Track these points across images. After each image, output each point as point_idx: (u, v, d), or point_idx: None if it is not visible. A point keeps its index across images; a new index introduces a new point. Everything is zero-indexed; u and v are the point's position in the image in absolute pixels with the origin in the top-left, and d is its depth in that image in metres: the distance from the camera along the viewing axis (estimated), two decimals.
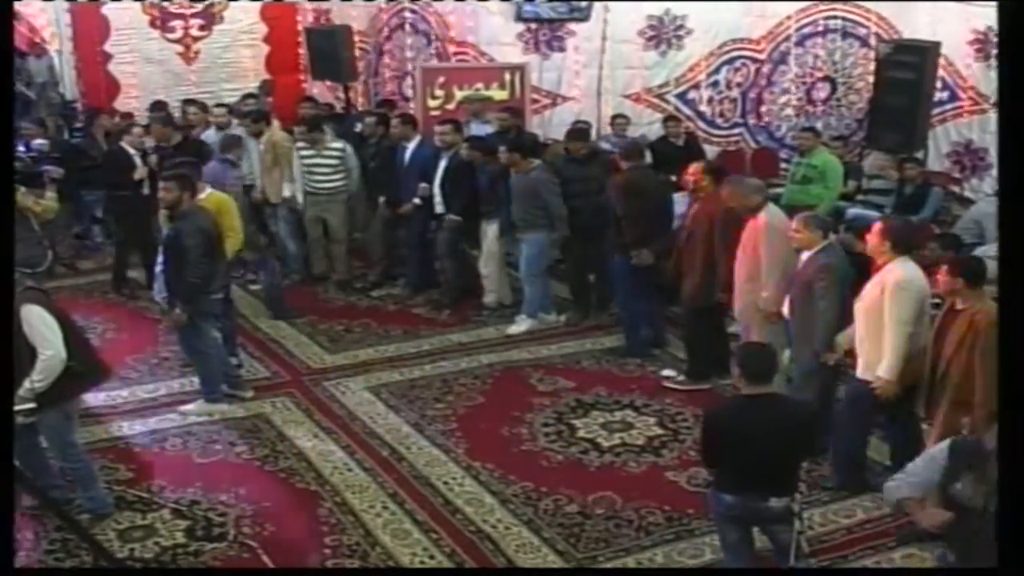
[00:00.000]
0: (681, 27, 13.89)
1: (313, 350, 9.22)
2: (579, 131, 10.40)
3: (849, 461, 6.75)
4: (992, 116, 12.51)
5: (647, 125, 13.66)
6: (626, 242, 8.67)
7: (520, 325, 9.58)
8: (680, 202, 9.08)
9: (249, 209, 9.88)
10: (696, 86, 14.15)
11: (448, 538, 6.33)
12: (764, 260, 7.45)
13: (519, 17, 13.50)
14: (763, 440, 5.12)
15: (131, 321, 9.93)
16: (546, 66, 13.69)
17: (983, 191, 12.53)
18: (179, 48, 13.37)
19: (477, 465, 7.17)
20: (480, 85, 12.65)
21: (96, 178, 11.17)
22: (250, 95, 12.75)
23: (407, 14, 13.47)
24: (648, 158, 10.87)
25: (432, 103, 12.59)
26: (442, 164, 10.01)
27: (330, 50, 12.41)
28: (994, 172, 12.47)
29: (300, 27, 13.64)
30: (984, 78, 12.77)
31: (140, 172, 10.36)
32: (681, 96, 14.13)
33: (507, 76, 12.75)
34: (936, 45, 12.24)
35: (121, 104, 12.91)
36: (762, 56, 14.22)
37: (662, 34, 13.88)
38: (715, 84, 14.21)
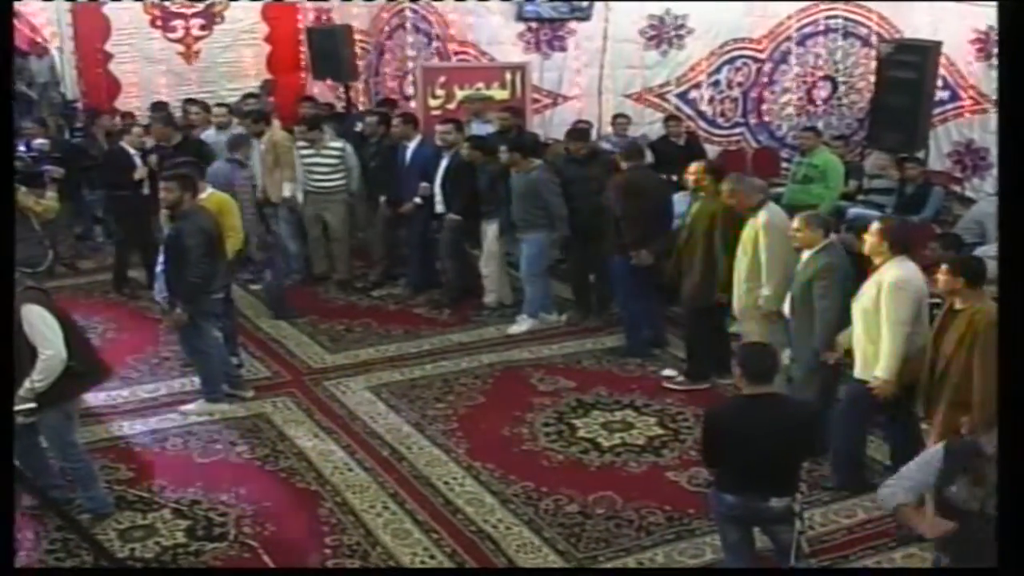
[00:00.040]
0: (682, 26, 13.90)
1: (314, 350, 9.22)
2: (579, 131, 10.40)
3: (849, 461, 6.75)
4: (993, 116, 12.51)
5: (648, 125, 13.69)
6: (626, 242, 8.67)
7: (521, 325, 9.58)
8: (680, 202, 9.07)
9: (259, 209, 9.89)
10: (697, 86, 14.17)
11: (449, 538, 6.33)
12: (764, 259, 7.45)
13: (520, 17, 13.51)
14: (764, 440, 5.11)
15: (132, 321, 9.93)
16: (547, 66, 13.70)
17: (984, 191, 12.54)
18: (180, 48, 13.36)
19: (478, 465, 7.16)
20: (481, 85, 12.65)
21: (97, 178, 11.18)
22: (251, 95, 12.74)
23: (408, 13, 13.47)
24: (649, 158, 10.88)
25: (433, 103, 12.58)
26: (443, 163, 10.01)
27: (331, 49, 12.42)
28: (995, 172, 12.47)
29: (301, 26, 13.64)
30: (985, 77, 12.78)
31: (140, 172, 10.36)
32: (682, 96, 14.15)
33: (508, 76, 12.74)
34: (937, 44, 12.24)
35: (122, 104, 12.89)
36: (763, 55, 14.23)
37: (663, 34, 13.89)
38: (716, 84, 14.23)
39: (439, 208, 10.06)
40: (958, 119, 13.38)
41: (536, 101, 13.41)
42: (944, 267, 6.06)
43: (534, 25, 13.57)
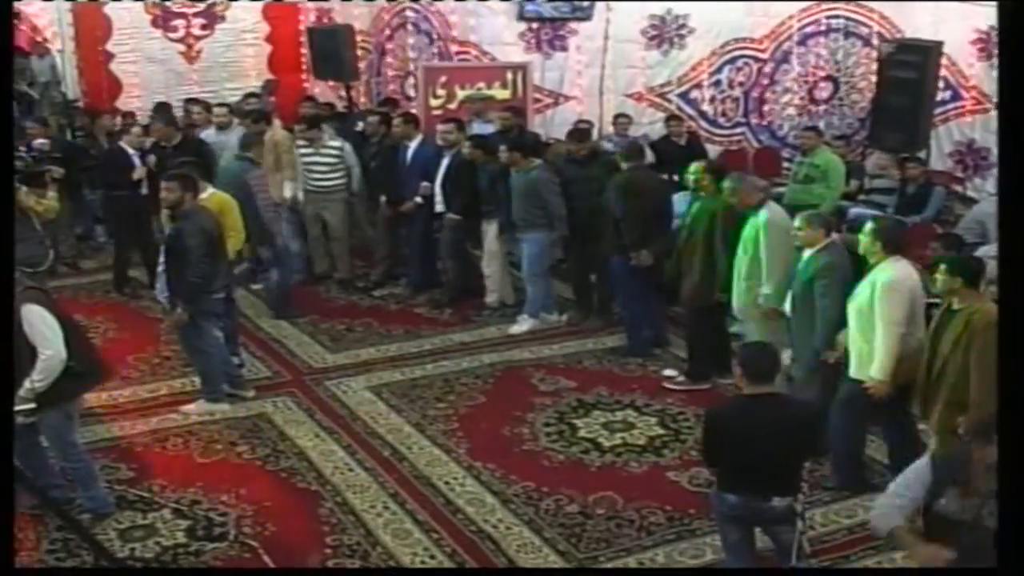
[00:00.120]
0: (683, 26, 13.89)
1: (315, 349, 9.22)
2: (580, 132, 10.40)
3: (849, 461, 6.75)
4: (995, 116, 12.50)
5: (649, 124, 13.68)
6: (626, 243, 8.66)
7: (522, 325, 9.57)
8: (680, 202, 9.07)
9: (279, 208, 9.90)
10: (698, 85, 14.15)
11: (449, 538, 6.33)
12: (765, 258, 7.45)
13: (521, 16, 13.50)
14: (765, 440, 5.11)
15: (133, 320, 9.93)
16: (548, 65, 13.69)
17: (986, 191, 12.52)
18: (181, 47, 13.36)
19: (478, 465, 7.16)
20: (482, 84, 12.65)
21: (98, 177, 11.17)
22: (252, 94, 12.74)
23: (409, 13, 13.47)
24: (650, 157, 10.87)
25: (434, 102, 12.58)
26: (444, 163, 10.01)
27: (332, 49, 12.42)
28: (996, 172, 12.45)
29: (302, 26, 13.64)
30: (987, 77, 12.76)
31: (139, 172, 10.36)
32: (683, 95, 14.13)
33: (509, 75, 12.74)
34: (938, 44, 12.23)
35: (123, 104, 12.90)
36: (764, 55, 14.21)
37: (664, 33, 13.88)
38: (717, 83, 14.21)
39: (439, 208, 10.06)
40: (959, 119, 13.36)
41: (537, 101, 13.40)
42: (942, 267, 6.06)
43: (535, 25, 13.56)
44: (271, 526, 6.45)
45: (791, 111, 14.40)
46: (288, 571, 6.12)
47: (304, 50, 13.54)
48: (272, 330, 9.61)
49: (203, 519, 6.52)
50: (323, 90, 13.48)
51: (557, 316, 9.73)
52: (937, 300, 6.39)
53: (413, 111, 12.02)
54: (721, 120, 14.31)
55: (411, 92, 13.41)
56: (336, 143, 10.62)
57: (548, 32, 13.63)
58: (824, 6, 14.12)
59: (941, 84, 12.71)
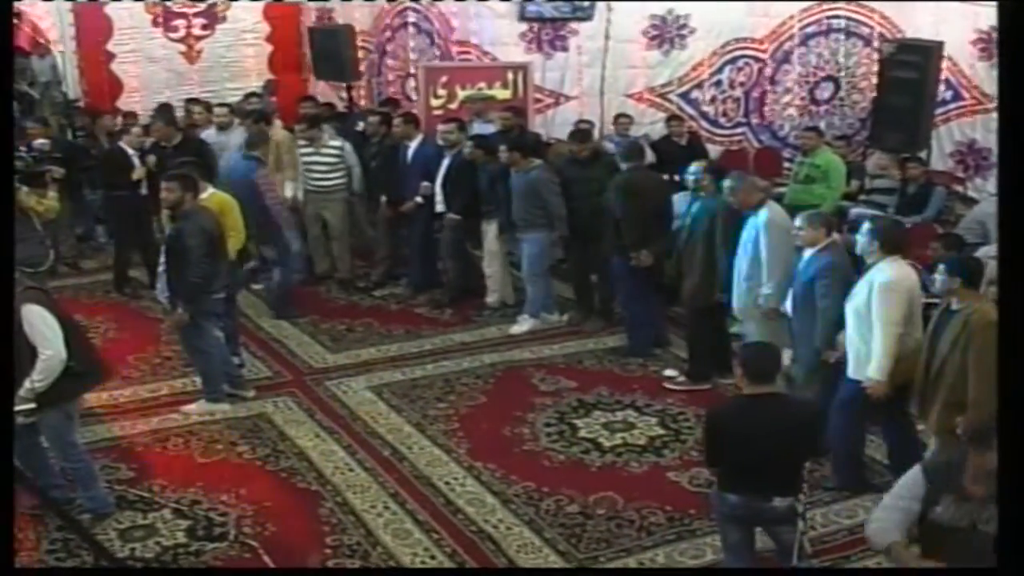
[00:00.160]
0: (684, 26, 13.87)
1: (315, 349, 9.22)
2: (580, 132, 10.38)
3: (848, 461, 6.74)
4: (995, 116, 12.48)
5: (650, 124, 13.66)
6: (626, 243, 8.66)
7: (522, 325, 9.58)
8: (680, 202, 9.06)
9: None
10: (699, 85, 14.13)
11: (449, 538, 6.33)
12: (765, 257, 7.45)
13: (522, 16, 13.48)
14: (766, 440, 5.10)
15: (133, 320, 9.93)
16: (549, 65, 13.67)
17: (987, 191, 12.50)
18: (182, 47, 13.38)
19: (479, 465, 7.16)
20: (483, 84, 12.63)
21: (97, 178, 11.18)
22: (253, 94, 12.75)
23: (410, 14, 13.46)
24: (651, 157, 10.86)
25: (435, 102, 12.56)
26: (445, 163, 10.01)
27: (333, 50, 12.42)
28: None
29: (303, 26, 13.64)
30: (988, 78, 12.75)
31: (138, 172, 10.36)
32: (684, 95, 14.11)
33: (510, 75, 12.72)
34: (939, 44, 12.22)
35: (124, 103, 12.91)
36: (765, 55, 14.20)
37: (665, 33, 13.86)
38: (718, 83, 14.19)
39: (439, 208, 10.06)
40: (960, 119, 13.34)
41: (538, 101, 13.38)
42: (941, 267, 6.06)
43: (536, 25, 13.54)
44: (271, 526, 6.45)
45: (792, 111, 14.39)
46: (288, 571, 6.12)
47: (305, 50, 13.55)
48: (272, 330, 9.61)
49: (203, 519, 6.52)
50: (324, 90, 13.48)
51: (558, 316, 9.73)
52: (936, 300, 6.39)
53: (414, 111, 12.02)
54: (722, 120, 14.30)
55: (412, 92, 13.40)
56: (336, 143, 10.62)
57: (549, 32, 13.62)
58: (825, 6, 14.11)
59: (942, 84, 12.70)
